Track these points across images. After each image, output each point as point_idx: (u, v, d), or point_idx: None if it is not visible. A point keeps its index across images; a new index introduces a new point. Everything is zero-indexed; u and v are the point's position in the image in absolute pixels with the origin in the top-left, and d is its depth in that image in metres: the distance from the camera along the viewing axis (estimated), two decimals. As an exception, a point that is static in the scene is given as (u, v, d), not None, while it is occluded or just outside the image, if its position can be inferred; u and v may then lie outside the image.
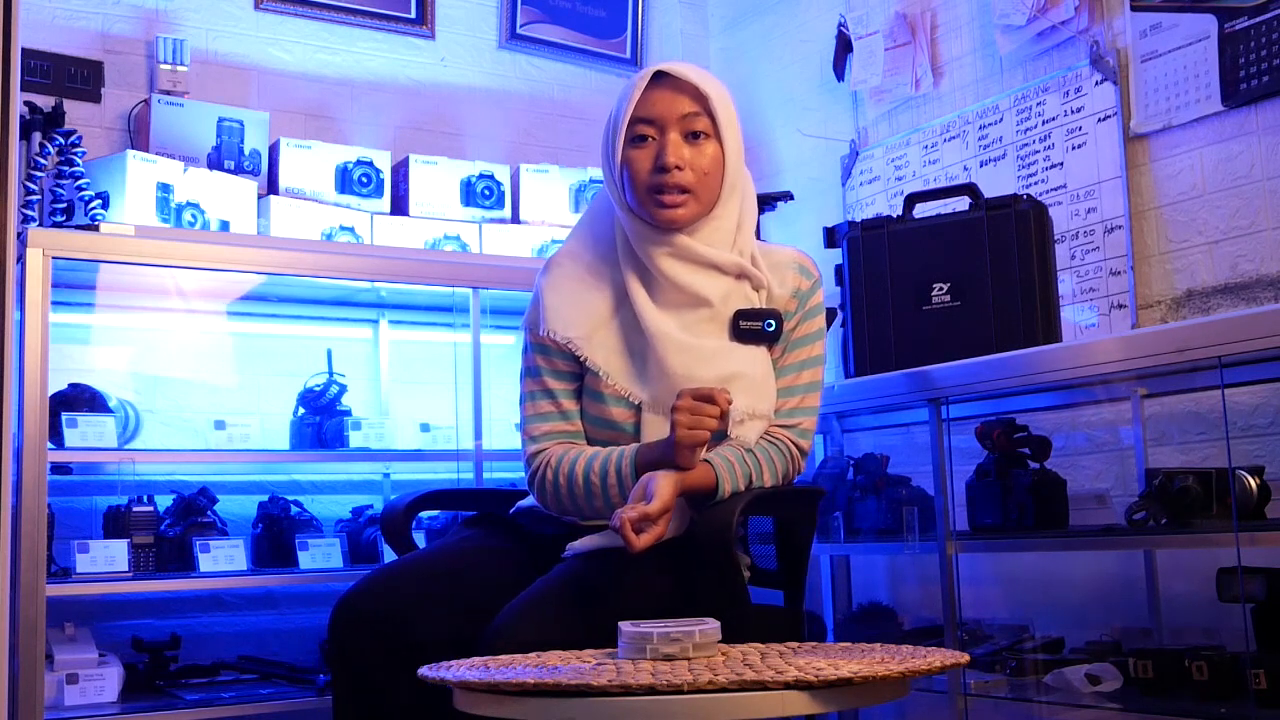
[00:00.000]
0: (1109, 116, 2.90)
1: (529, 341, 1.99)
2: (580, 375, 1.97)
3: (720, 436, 1.86)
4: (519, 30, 3.81)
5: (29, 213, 2.75)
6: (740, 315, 1.93)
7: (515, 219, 3.46)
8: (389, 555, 2.59)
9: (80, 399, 2.70)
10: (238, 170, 3.13)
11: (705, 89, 1.92)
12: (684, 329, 1.90)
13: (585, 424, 1.96)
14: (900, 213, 2.80)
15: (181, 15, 3.31)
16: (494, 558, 1.93)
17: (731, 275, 1.95)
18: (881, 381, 2.62)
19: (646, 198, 1.90)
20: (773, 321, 1.94)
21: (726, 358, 1.90)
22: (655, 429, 1.88)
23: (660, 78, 1.93)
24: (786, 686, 1.24)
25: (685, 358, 1.88)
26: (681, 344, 1.89)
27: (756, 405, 1.89)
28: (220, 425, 2.84)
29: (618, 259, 1.97)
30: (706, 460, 1.81)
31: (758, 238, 2.11)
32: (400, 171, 3.35)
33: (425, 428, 3.07)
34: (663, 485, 1.72)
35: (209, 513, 2.82)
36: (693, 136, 1.91)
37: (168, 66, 3.15)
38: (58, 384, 2.65)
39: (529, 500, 2.06)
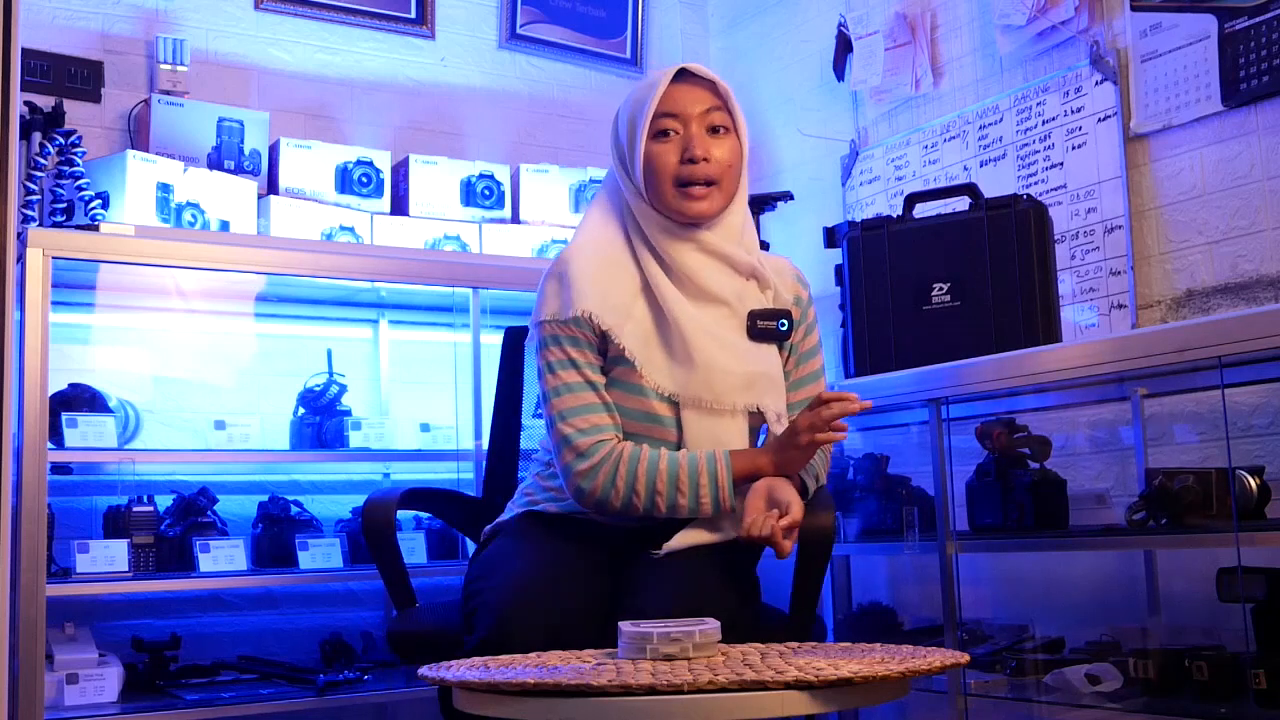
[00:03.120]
0: (1109, 116, 2.90)
1: (553, 334, 1.92)
2: (605, 366, 1.94)
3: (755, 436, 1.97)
4: (519, 30, 3.81)
5: (29, 213, 2.75)
6: (756, 315, 1.97)
7: (515, 219, 3.46)
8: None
9: (80, 399, 2.70)
10: (238, 170, 3.13)
11: (723, 87, 1.99)
12: (713, 323, 1.94)
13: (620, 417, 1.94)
14: (900, 213, 2.80)
15: (181, 15, 3.31)
16: (596, 564, 1.90)
17: (744, 275, 1.99)
18: (881, 381, 2.62)
19: (674, 191, 1.93)
20: (785, 321, 1.99)
21: (754, 355, 1.95)
22: (697, 426, 1.90)
23: (680, 75, 1.97)
24: (786, 686, 1.24)
25: (717, 350, 1.91)
26: (713, 335, 1.92)
27: (779, 404, 1.96)
28: (220, 425, 2.84)
29: (633, 253, 1.98)
30: None
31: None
32: (400, 171, 3.35)
33: (425, 428, 3.07)
34: (791, 492, 1.81)
35: (209, 513, 2.82)
36: (713, 131, 1.96)
37: (168, 66, 3.15)
38: (58, 384, 2.65)
39: (537, 506, 2.02)
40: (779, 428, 1.94)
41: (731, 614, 1.60)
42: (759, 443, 1.99)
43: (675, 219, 1.95)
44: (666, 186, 1.93)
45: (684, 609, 1.61)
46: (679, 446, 1.91)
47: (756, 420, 1.96)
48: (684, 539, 1.86)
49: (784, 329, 1.98)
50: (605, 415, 1.91)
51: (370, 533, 2.05)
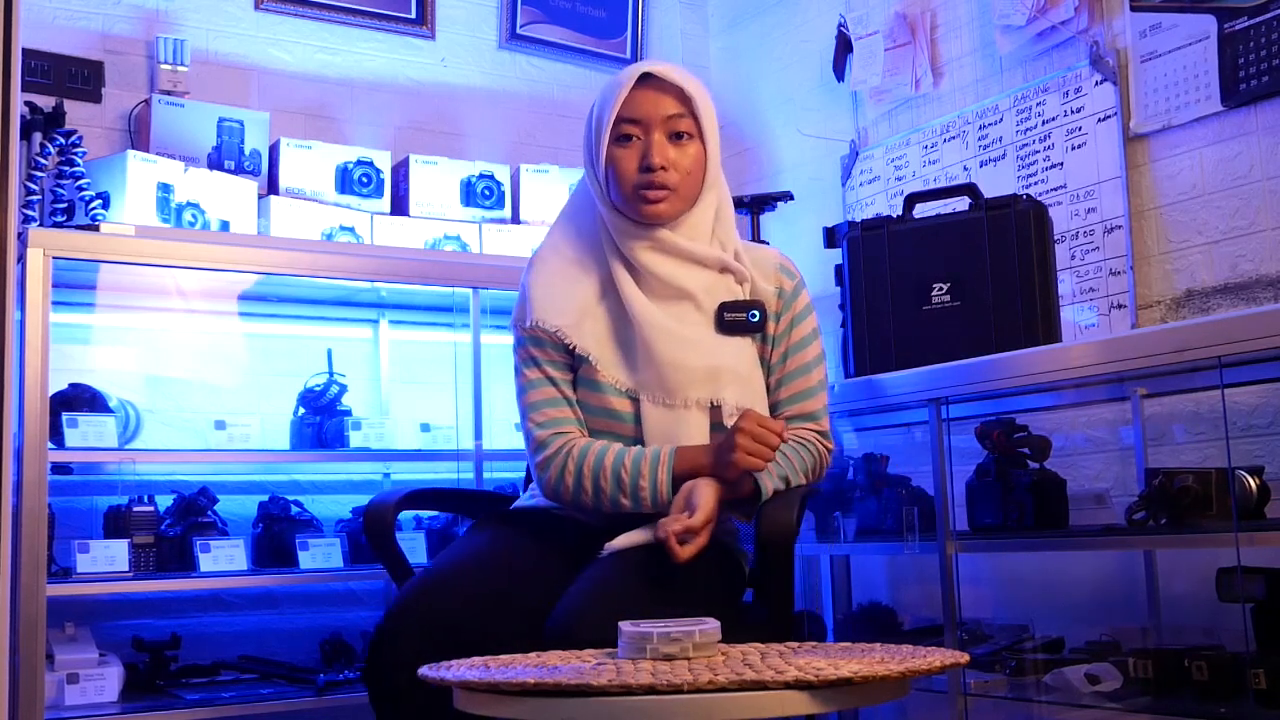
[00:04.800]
0: (1109, 116, 2.90)
1: (520, 336, 2.01)
2: (573, 365, 1.99)
3: (718, 430, 1.91)
4: (519, 30, 3.81)
5: (30, 213, 2.75)
6: (725, 307, 1.97)
7: (515, 219, 3.46)
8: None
9: (80, 399, 2.70)
10: (238, 170, 3.13)
11: (689, 90, 1.96)
12: (671, 319, 1.94)
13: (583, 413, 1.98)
14: (900, 213, 2.80)
15: (182, 15, 3.31)
16: (535, 556, 1.90)
17: (714, 269, 1.99)
18: (881, 381, 2.62)
19: (632, 195, 1.94)
20: (756, 312, 1.98)
21: (714, 348, 1.93)
22: (655, 420, 1.90)
23: (645, 78, 1.96)
24: (786, 686, 1.24)
25: (674, 345, 1.91)
26: (670, 332, 1.92)
27: (744, 398, 1.93)
28: (220, 425, 2.84)
29: (601, 251, 2.00)
30: None
31: (756, 238, 2.13)
32: (400, 171, 3.35)
33: (425, 428, 3.07)
34: (706, 496, 1.78)
35: (209, 513, 2.82)
36: (676, 137, 1.95)
37: (168, 66, 3.15)
38: (58, 384, 2.65)
39: (530, 500, 2.06)
40: (732, 422, 1.90)
41: (645, 615, 1.58)
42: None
43: (635, 220, 1.96)
44: (626, 191, 1.94)
45: (593, 610, 1.65)
46: (639, 442, 1.92)
47: (718, 415, 1.93)
48: (626, 539, 1.84)
49: (754, 320, 1.97)
50: (565, 410, 1.95)
51: (370, 537, 2.07)
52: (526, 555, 1.91)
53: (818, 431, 2.00)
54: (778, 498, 1.86)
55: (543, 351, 1.98)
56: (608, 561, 1.81)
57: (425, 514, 3.05)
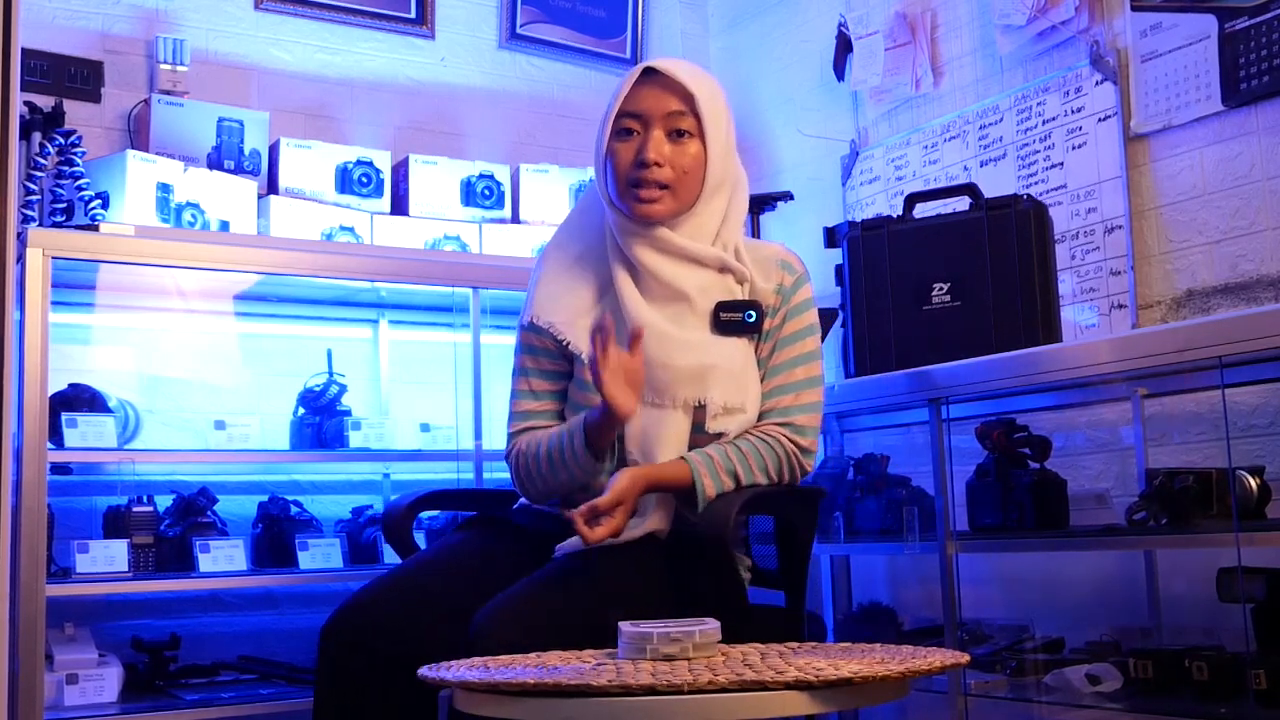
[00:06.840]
0: (1109, 116, 2.90)
1: (518, 340, 2.05)
2: (565, 374, 2.00)
3: (700, 432, 1.91)
4: (519, 30, 3.81)
5: (29, 213, 2.75)
6: (720, 307, 1.95)
7: (515, 219, 3.46)
8: (389, 555, 2.59)
9: (80, 399, 2.70)
10: (238, 170, 3.13)
11: (693, 88, 1.94)
12: (666, 320, 1.93)
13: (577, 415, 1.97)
14: (900, 213, 2.80)
15: (181, 15, 3.31)
16: (487, 560, 1.93)
17: (713, 269, 1.97)
18: (881, 381, 2.63)
19: (625, 190, 1.94)
20: (752, 312, 1.96)
21: (705, 349, 1.92)
22: (646, 418, 1.89)
23: (650, 74, 1.95)
24: (786, 686, 1.24)
25: (664, 346, 1.90)
26: (661, 332, 1.91)
27: (732, 398, 1.91)
28: (220, 425, 2.83)
29: (605, 250, 2.00)
30: (684, 458, 1.86)
31: (757, 237, 2.12)
32: (400, 171, 3.35)
33: (425, 428, 3.07)
34: (621, 480, 1.78)
35: (209, 513, 2.82)
36: (676, 135, 1.94)
37: (168, 66, 3.15)
38: (58, 384, 2.65)
39: (525, 500, 2.07)
40: (715, 424, 1.89)
41: (559, 615, 1.56)
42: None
43: (632, 217, 1.96)
44: (621, 186, 1.94)
45: (507, 613, 1.65)
46: (621, 440, 1.91)
47: (704, 415, 1.91)
48: (574, 541, 1.82)
49: (750, 320, 1.95)
50: (537, 420, 2.00)
51: (389, 538, 2.12)
52: (483, 558, 1.93)
53: (788, 427, 1.93)
54: (722, 497, 1.83)
55: (533, 355, 2.01)
56: (550, 565, 1.82)
57: (425, 514, 3.04)
